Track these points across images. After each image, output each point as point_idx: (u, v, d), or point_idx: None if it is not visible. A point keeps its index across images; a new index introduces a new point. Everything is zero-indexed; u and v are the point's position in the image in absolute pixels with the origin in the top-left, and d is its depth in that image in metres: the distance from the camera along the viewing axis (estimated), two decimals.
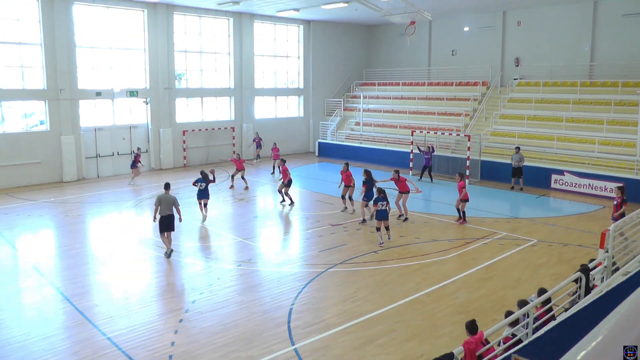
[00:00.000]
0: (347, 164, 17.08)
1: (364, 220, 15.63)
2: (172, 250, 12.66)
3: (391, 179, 16.17)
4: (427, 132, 24.70)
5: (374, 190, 14.69)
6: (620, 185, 13.88)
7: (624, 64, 22.77)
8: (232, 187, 20.80)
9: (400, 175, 16.00)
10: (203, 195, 15.74)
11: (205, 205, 15.83)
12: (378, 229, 13.58)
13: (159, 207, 12.40)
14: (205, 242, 14.29)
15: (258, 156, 27.87)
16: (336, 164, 20.07)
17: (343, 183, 16.78)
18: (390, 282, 11.09)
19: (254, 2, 23.81)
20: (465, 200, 15.42)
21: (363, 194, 15.70)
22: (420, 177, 22.36)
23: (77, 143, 22.67)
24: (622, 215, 12.04)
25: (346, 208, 16.99)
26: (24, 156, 21.41)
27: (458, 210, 15.69)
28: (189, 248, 13.54)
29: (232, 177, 21.24)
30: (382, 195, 13.59)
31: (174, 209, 12.55)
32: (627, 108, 21.26)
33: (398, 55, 32.01)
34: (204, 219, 15.76)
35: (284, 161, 19.16)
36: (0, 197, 19.36)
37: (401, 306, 9.88)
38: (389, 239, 13.71)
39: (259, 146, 27.51)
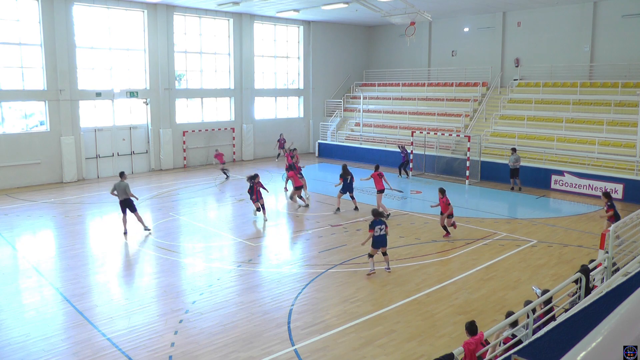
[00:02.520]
0: (299, 168, 18.67)
1: (338, 209, 17.13)
2: (147, 228, 14.68)
3: (370, 177, 16.61)
4: (427, 133, 24.71)
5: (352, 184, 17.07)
6: (606, 191, 13.93)
7: (624, 64, 22.79)
8: (285, 189, 20.51)
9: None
10: (250, 195, 16.30)
11: (259, 208, 16.30)
12: (371, 256, 11.57)
13: (117, 192, 14.31)
14: (206, 242, 14.28)
15: (279, 155, 28.60)
16: (336, 165, 20.07)
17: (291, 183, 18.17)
18: (390, 282, 11.09)
19: (254, 2, 23.80)
20: (450, 215, 14.36)
21: (340, 186, 17.18)
22: (400, 174, 23.57)
23: (77, 144, 22.67)
24: (617, 218, 12.05)
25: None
26: (24, 157, 21.41)
27: (444, 227, 14.56)
28: (188, 248, 13.55)
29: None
30: (379, 218, 11.60)
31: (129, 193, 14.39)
32: (627, 109, 21.27)
33: (398, 56, 32.03)
34: (263, 218, 16.29)
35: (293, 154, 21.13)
36: (0, 197, 19.36)
37: (401, 307, 9.88)
38: (388, 269, 11.68)
39: (282, 147, 27.79)
